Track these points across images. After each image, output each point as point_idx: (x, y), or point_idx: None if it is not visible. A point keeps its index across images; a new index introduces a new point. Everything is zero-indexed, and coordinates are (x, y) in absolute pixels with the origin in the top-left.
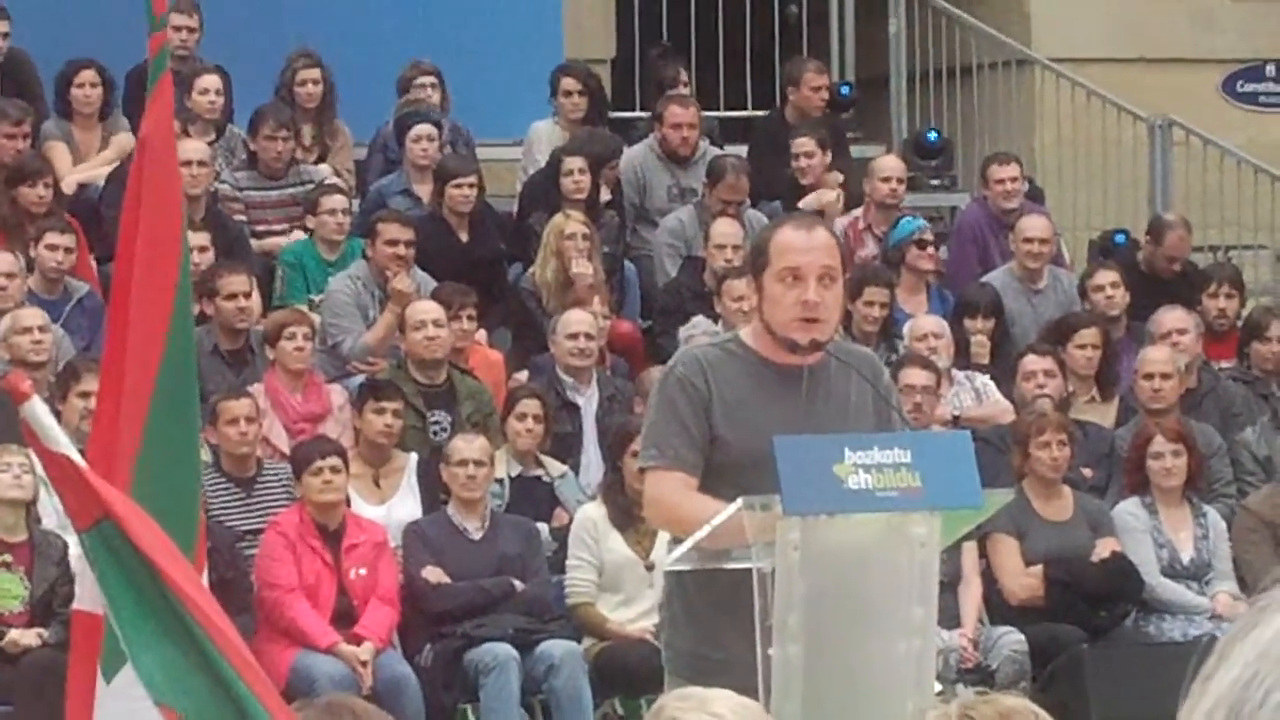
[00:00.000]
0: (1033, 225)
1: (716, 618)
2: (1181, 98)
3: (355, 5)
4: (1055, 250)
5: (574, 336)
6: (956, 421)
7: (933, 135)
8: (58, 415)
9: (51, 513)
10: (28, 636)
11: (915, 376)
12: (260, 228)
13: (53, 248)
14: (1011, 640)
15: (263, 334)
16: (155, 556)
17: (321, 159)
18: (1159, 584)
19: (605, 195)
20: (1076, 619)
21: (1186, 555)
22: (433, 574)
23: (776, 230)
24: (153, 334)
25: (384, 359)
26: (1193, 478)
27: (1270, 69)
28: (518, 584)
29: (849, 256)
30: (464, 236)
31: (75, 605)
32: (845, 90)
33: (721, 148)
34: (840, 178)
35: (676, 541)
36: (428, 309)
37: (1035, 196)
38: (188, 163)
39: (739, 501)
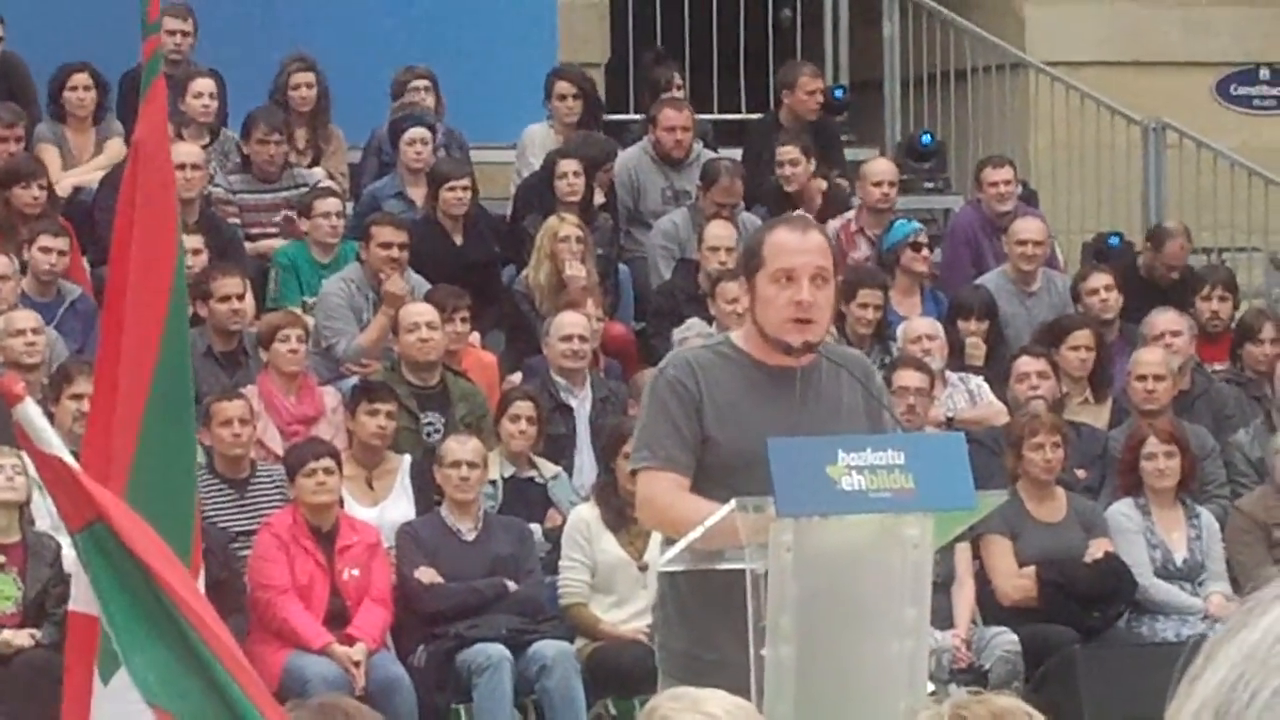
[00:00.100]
0: (1026, 228)
1: (710, 619)
2: (1175, 101)
3: (349, 9)
4: (1049, 253)
5: (567, 338)
6: (950, 423)
7: (927, 138)
8: (50, 417)
9: (45, 514)
10: (20, 637)
11: (909, 378)
12: (254, 230)
13: (46, 250)
14: (1004, 641)
15: (257, 336)
16: (148, 558)
17: (315, 162)
18: (1152, 585)
19: (599, 198)
20: (1069, 620)
21: (1179, 556)
22: (426, 575)
23: (770, 231)
24: (147, 337)
25: (377, 361)
26: (1186, 479)
27: (1264, 72)
28: (511, 585)
29: (841, 259)
30: (458, 239)
31: (71, 606)
32: (839, 93)
33: (715, 151)
34: (824, 185)
35: (670, 542)
36: (421, 311)
37: (1029, 199)
38: (182, 166)
39: (732, 503)
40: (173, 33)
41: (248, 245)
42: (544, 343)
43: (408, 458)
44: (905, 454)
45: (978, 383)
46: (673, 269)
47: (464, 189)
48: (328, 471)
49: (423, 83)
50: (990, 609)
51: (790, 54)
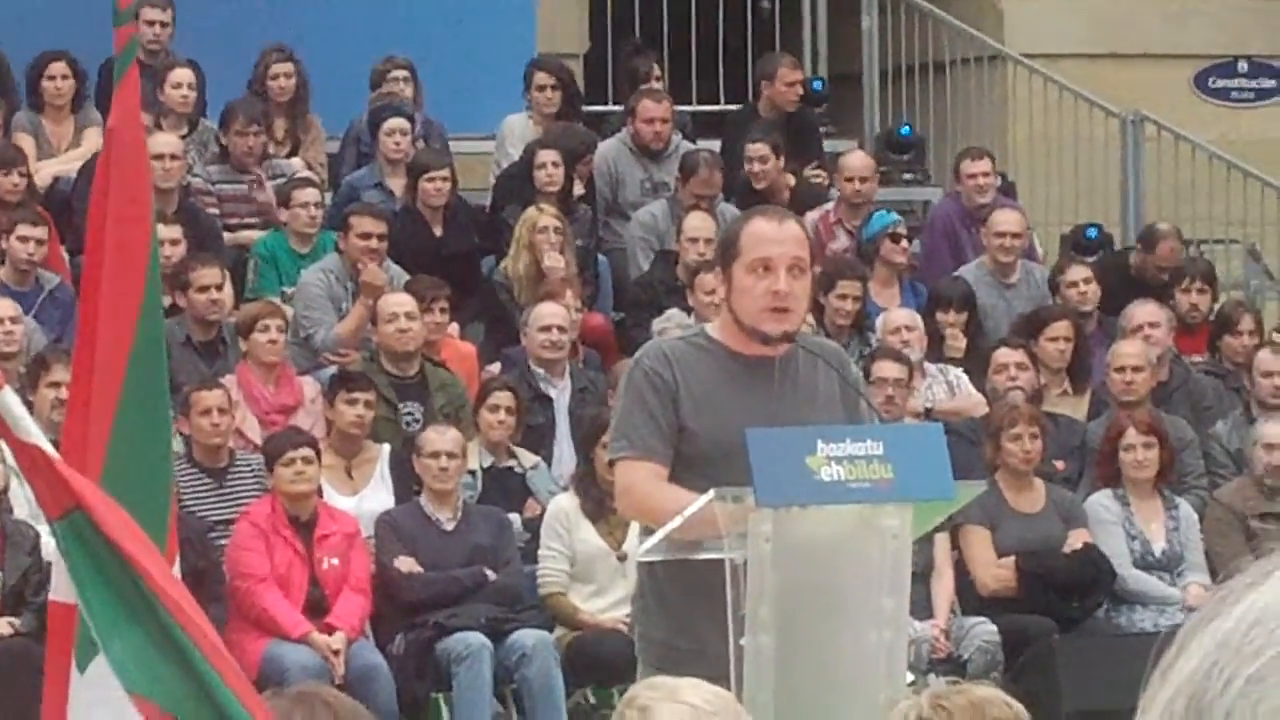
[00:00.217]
0: (1005, 220)
1: (689, 608)
2: (1153, 93)
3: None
4: (1027, 244)
5: (546, 329)
6: (929, 414)
7: (905, 130)
8: (29, 406)
9: (23, 502)
10: None
11: (888, 369)
12: (233, 221)
13: (24, 239)
14: (983, 631)
15: (235, 326)
16: (126, 546)
17: (294, 152)
18: (1130, 575)
19: (578, 189)
20: (1048, 610)
21: (1158, 547)
22: (405, 564)
23: (747, 222)
24: (122, 325)
25: (356, 351)
26: (1164, 470)
27: (1242, 65)
28: (490, 574)
29: (820, 250)
30: (437, 230)
31: (51, 596)
32: (818, 85)
33: (694, 142)
34: (792, 181)
35: (649, 532)
36: (400, 301)
37: (1007, 191)
38: (160, 156)
39: (711, 493)
40: (151, 23)
41: (226, 236)
42: (523, 333)
43: (387, 447)
44: (884, 444)
45: (956, 374)
46: (651, 260)
47: (443, 179)
48: (306, 461)
49: (402, 73)
50: (969, 599)
51: (769, 46)
